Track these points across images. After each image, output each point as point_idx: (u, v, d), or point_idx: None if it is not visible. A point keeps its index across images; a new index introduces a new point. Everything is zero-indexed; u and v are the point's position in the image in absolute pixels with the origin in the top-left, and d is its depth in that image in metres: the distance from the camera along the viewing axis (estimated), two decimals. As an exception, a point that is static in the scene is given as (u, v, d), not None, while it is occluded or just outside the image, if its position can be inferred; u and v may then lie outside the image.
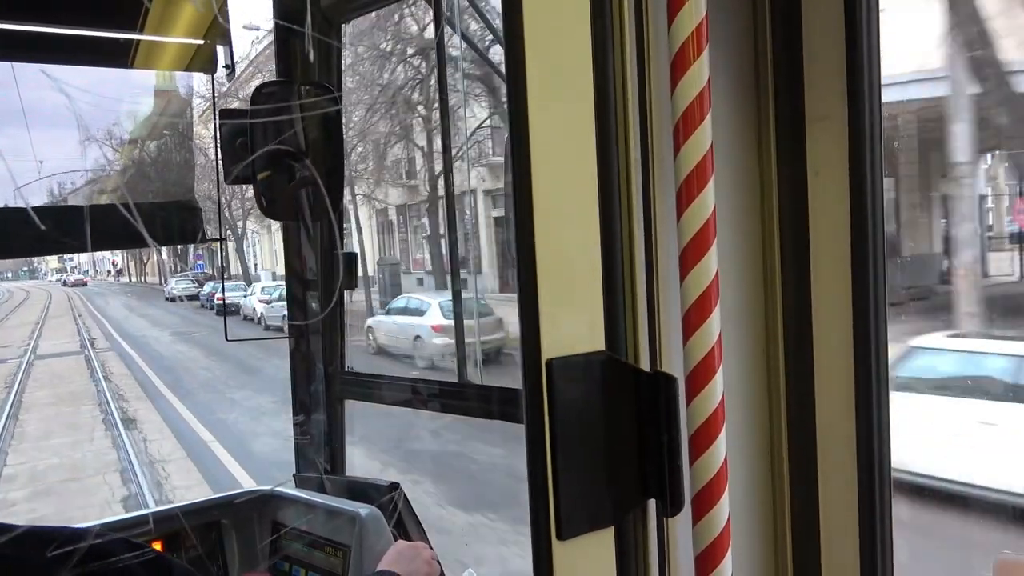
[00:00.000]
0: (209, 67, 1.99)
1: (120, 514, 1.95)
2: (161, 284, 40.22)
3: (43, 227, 1.48)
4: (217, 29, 1.89)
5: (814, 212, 0.97)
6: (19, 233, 1.60)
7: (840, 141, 0.94)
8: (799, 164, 0.98)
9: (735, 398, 0.99)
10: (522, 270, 0.79)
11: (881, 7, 0.93)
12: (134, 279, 50.62)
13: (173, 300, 30.51)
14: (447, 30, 1.72)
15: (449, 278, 1.93)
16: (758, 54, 1.00)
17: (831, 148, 0.95)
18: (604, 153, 0.83)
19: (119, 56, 2.00)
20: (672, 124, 0.90)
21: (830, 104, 0.94)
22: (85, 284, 51.28)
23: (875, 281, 0.93)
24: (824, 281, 0.97)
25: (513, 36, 0.77)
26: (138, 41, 1.97)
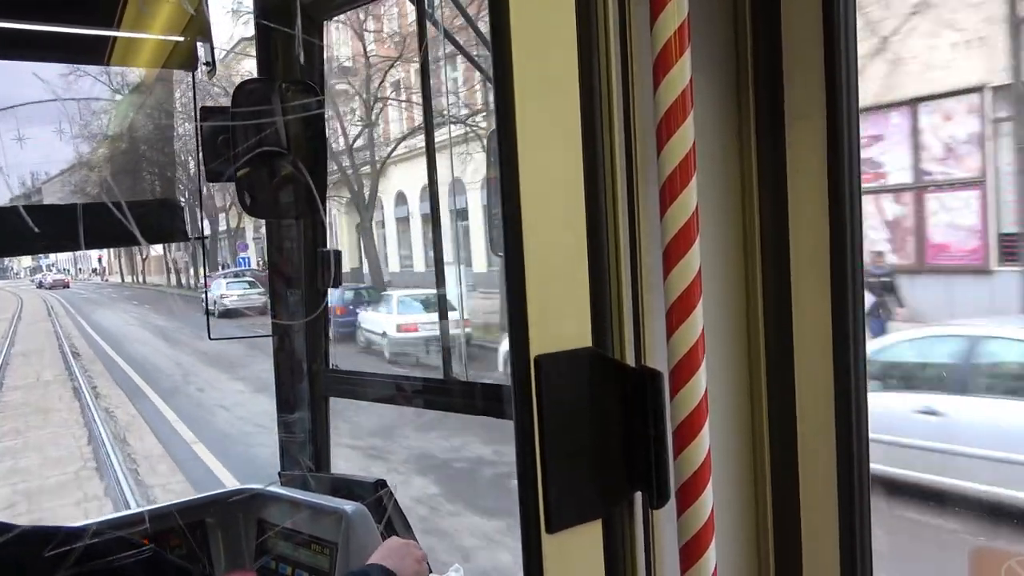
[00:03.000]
0: (189, 64, 1.97)
1: (108, 514, 1.94)
2: (169, 285, 29.61)
3: (21, 225, 1.46)
4: (197, 25, 1.87)
5: (794, 209, 0.99)
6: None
7: (819, 139, 0.96)
8: (779, 162, 1.00)
9: (718, 392, 1.01)
10: (510, 269, 0.80)
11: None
12: (127, 279, 41.42)
13: (227, 315, 16.05)
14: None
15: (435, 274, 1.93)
16: (739, 54, 1.02)
17: (810, 146, 0.97)
18: (590, 153, 0.85)
19: (95, 52, 1.98)
20: (655, 123, 0.91)
21: (809, 103, 0.96)
22: (67, 286, 41.66)
23: (853, 277, 0.96)
24: (803, 277, 1.00)
25: (500, 38, 0.78)
26: (115, 37, 1.95)
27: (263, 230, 2.34)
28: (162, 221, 1.78)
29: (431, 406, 1.97)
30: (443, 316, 2.16)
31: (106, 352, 16.16)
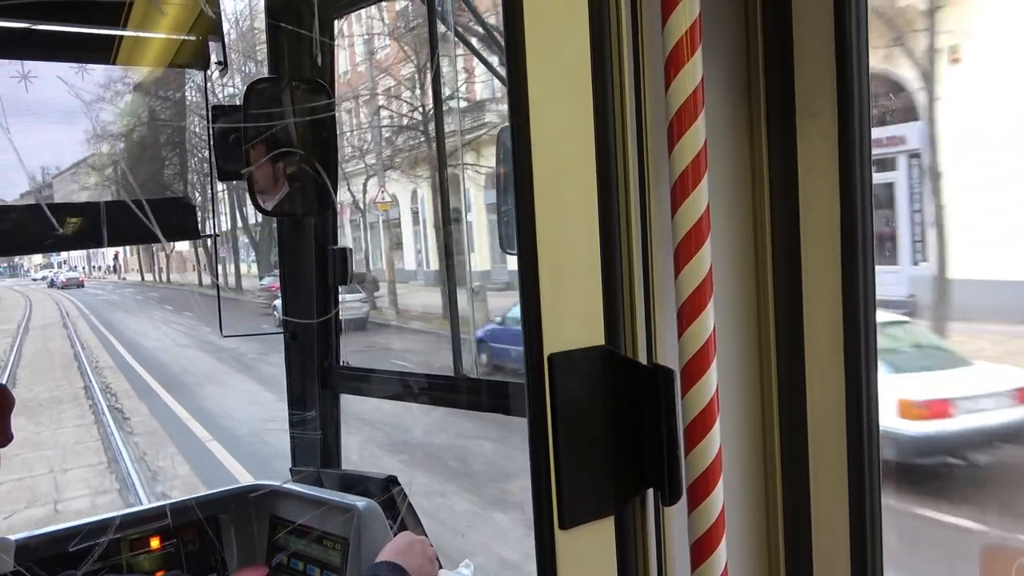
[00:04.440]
0: (199, 63, 1.97)
1: (120, 510, 1.96)
2: (202, 284, 24.80)
3: (38, 223, 1.48)
4: (207, 23, 1.88)
5: (804, 207, 1.00)
6: (8, 230, 1.60)
7: (830, 137, 0.96)
8: (790, 160, 1.00)
9: (729, 390, 1.01)
10: (524, 268, 0.81)
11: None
12: (147, 277, 37.67)
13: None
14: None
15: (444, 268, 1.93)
16: (750, 53, 1.02)
17: (821, 144, 0.97)
18: (602, 152, 0.85)
19: (100, 51, 1.98)
20: (666, 122, 0.91)
21: (820, 101, 0.96)
22: (82, 285, 37.92)
23: (864, 274, 0.96)
24: (814, 274, 1.00)
25: (514, 39, 0.78)
26: (122, 36, 1.95)
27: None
28: (175, 218, 1.79)
29: (440, 403, 1.98)
30: (454, 311, 2.16)
31: (168, 407, 9.30)
